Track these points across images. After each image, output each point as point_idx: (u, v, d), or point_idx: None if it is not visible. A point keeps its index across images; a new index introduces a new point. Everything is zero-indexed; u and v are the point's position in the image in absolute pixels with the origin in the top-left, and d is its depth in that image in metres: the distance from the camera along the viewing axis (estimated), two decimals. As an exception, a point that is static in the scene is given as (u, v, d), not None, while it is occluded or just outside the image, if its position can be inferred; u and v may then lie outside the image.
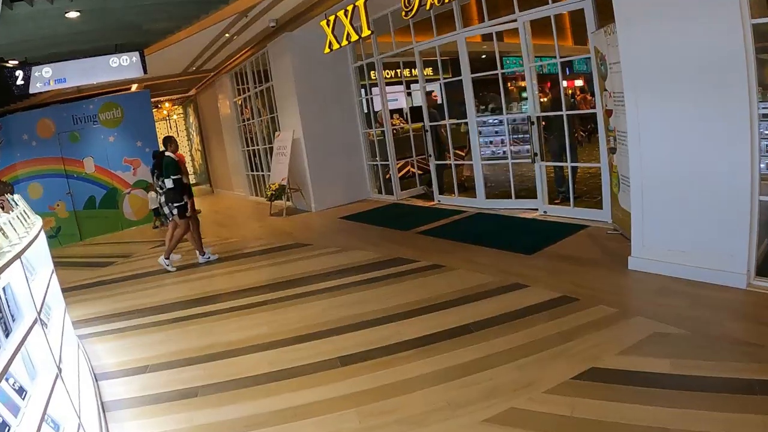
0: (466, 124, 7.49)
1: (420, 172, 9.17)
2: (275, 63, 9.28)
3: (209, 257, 6.56)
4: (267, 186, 9.50)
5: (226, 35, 8.49)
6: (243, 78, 11.33)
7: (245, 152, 12.32)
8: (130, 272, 6.65)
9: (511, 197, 6.94)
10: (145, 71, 7.50)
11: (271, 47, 9.20)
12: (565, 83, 22.04)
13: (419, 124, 8.87)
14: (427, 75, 15.54)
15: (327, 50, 7.07)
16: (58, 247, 9.79)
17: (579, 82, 21.73)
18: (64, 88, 7.63)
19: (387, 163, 8.86)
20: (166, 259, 6.40)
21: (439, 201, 7.96)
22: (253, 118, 11.44)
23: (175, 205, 6.21)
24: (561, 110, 6.06)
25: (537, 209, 6.43)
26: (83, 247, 9.73)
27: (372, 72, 8.88)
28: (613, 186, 5.25)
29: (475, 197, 7.37)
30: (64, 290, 3.68)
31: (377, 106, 9.47)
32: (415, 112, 9.16)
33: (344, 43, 6.77)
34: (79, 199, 10.57)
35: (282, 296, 4.70)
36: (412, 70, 14.74)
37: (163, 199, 6.54)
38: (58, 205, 10.34)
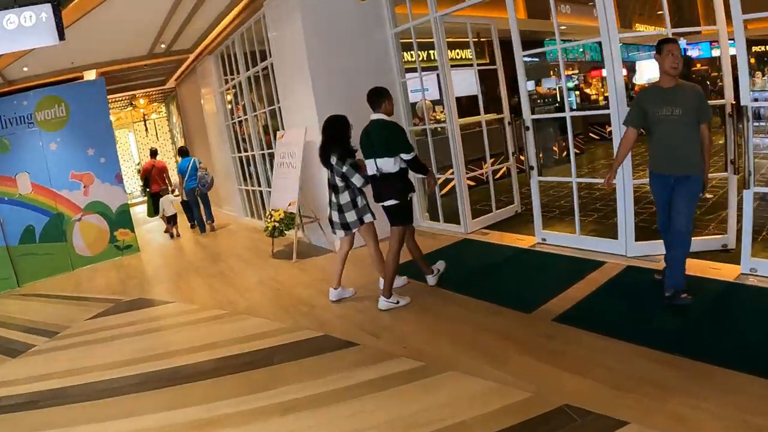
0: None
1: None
2: (276, 31, 6.27)
3: (398, 301, 4.05)
4: (266, 213, 6.47)
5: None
6: (232, 59, 8.31)
7: (237, 159, 9.32)
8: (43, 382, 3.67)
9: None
10: (61, 35, 4.52)
11: (268, 8, 6.21)
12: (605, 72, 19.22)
13: (472, 118, 6.66)
14: (459, 59, 12.71)
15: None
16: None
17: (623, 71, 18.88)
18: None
19: (446, 175, 5.92)
20: (387, 299, 4.02)
21: (544, 240, 4.98)
22: (245, 114, 8.41)
23: (390, 203, 3.94)
24: None
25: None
26: (19, 302, 6.70)
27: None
28: None
29: (615, 237, 4.43)
30: None
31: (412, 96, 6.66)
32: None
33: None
34: (12, 231, 7.55)
35: None
36: (457, 51, 12.04)
37: (344, 198, 4.10)
38: (-21, 241, 7.39)
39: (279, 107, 6.79)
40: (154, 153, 9.83)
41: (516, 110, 7.26)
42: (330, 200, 4.21)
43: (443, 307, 3.94)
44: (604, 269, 4.15)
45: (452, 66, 5.64)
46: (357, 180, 3.97)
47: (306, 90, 5.70)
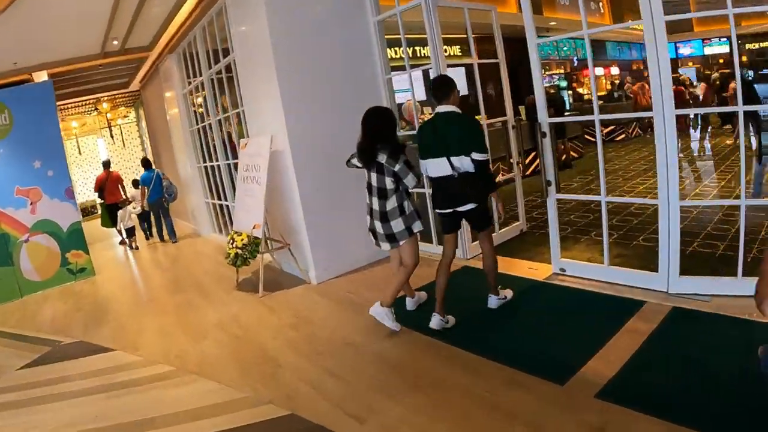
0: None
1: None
2: (238, 23, 5.31)
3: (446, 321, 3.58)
4: (228, 239, 5.48)
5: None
6: (195, 59, 7.33)
7: (203, 169, 8.32)
8: None
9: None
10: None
11: (229, -6, 5.28)
12: (600, 70, 18.57)
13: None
14: (449, 56, 11.75)
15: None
16: None
17: (615, 70, 18.28)
18: None
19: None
20: (441, 317, 3.53)
21: (563, 270, 4.11)
22: (209, 118, 7.43)
23: (469, 207, 3.40)
24: None
25: None
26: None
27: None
28: None
29: (652, 268, 3.58)
30: None
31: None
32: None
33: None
34: (-51, 255, 6.57)
35: None
36: (445, 47, 11.05)
37: (391, 203, 3.46)
38: None
39: (242, 110, 5.84)
40: (106, 164, 9.20)
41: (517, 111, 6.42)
42: (370, 207, 3.55)
43: (445, 371, 3.03)
44: (645, 313, 3.29)
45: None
46: (411, 180, 3.37)
47: (272, 92, 4.75)
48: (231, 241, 5.32)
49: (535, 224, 5.69)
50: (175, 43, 7.56)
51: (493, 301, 3.73)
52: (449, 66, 4.76)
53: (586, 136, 11.35)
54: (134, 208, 8.83)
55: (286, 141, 4.76)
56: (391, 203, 3.41)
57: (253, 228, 5.06)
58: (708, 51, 20.03)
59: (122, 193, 9.02)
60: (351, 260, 5.11)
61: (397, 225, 3.43)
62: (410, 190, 3.53)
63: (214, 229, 8.41)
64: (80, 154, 15.76)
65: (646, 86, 12.59)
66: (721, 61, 19.60)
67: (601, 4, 15.42)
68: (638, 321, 3.20)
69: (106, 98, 13.11)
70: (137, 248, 8.65)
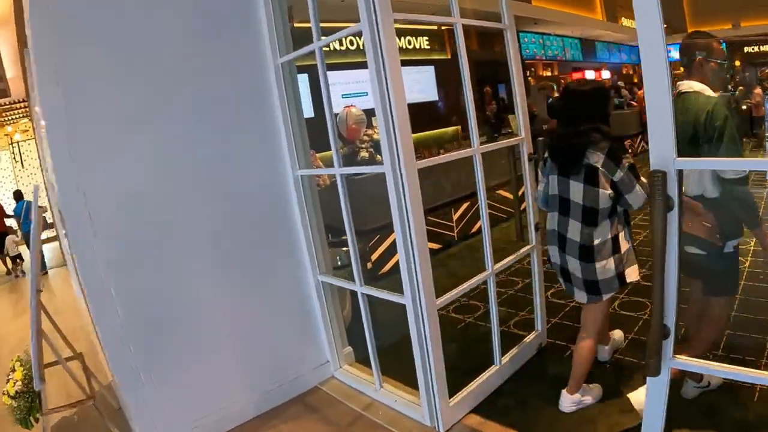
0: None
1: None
2: None
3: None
4: (11, 365, 2.85)
5: None
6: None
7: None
8: None
9: None
10: None
11: None
12: (591, 74, 16.50)
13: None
14: (411, 48, 9.17)
15: None
16: None
17: (606, 74, 16.26)
18: None
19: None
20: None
21: None
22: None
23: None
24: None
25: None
26: None
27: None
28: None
29: None
30: None
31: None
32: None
33: None
34: None
35: None
36: (408, 38, 8.41)
37: (601, 232, 2.19)
38: None
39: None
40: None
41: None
42: (558, 233, 2.31)
43: None
44: None
45: (403, 60, 2.31)
46: (638, 197, 2.09)
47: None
48: (11, 371, 2.76)
49: (559, 326, 3.30)
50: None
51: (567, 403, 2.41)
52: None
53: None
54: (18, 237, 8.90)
55: (65, 199, 2.21)
56: (602, 231, 2.18)
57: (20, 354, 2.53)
58: (702, 54, 18.24)
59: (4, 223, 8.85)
60: (227, 415, 2.61)
61: (607, 269, 2.19)
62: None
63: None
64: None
65: (639, 93, 10.51)
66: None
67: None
68: None
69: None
70: (24, 274, 8.49)
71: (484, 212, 2.39)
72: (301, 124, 2.71)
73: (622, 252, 2.19)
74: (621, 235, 2.20)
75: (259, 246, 2.69)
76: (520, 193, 3.72)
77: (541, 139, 4.24)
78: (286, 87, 2.61)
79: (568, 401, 2.35)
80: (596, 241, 2.17)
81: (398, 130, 2.01)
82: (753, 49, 16.69)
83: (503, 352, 2.68)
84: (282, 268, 2.80)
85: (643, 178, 2.07)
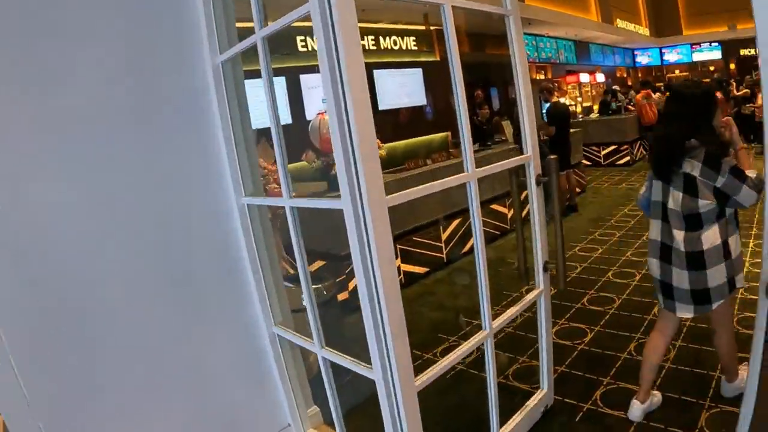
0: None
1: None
2: None
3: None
4: None
5: None
6: None
7: None
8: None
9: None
10: None
11: None
12: (586, 77, 16.09)
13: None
14: (397, 49, 8.57)
15: None
16: None
17: (600, 77, 15.86)
18: None
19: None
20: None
21: None
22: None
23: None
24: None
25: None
26: None
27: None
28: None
29: None
30: None
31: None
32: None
33: None
34: None
35: None
36: (394, 38, 7.80)
37: (709, 238, 2.03)
38: None
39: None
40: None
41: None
42: (660, 243, 2.16)
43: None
44: None
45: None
46: (749, 196, 1.92)
47: None
48: None
49: (566, 377, 2.78)
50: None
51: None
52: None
53: (583, 161, 8.65)
54: None
55: None
56: (709, 238, 2.01)
57: None
58: (697, 57, 17.93)
59: None
60: None
61: (717, 276, 2.02)
62: None
63: None
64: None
65: (653, 95, 10.05)
66: (712, 68, 17.55)
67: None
68: None
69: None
70: None
71: (481, 260, 1.86)
72: (248, 139, 2.16)
73: (733, 258, 2.05)
74: (731, 240, 2.06)
75: (200, 294, 2.12)
76: (524, 213, 3.16)
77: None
78: (229, 93, 2.07)
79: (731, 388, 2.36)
80: (705, 247, 2.03)
81: (359, 152, 1.46)
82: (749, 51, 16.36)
83: (501, 423, 2.15)
84: (229, 320, 2.25)
85: (751, 172, 1.94)
